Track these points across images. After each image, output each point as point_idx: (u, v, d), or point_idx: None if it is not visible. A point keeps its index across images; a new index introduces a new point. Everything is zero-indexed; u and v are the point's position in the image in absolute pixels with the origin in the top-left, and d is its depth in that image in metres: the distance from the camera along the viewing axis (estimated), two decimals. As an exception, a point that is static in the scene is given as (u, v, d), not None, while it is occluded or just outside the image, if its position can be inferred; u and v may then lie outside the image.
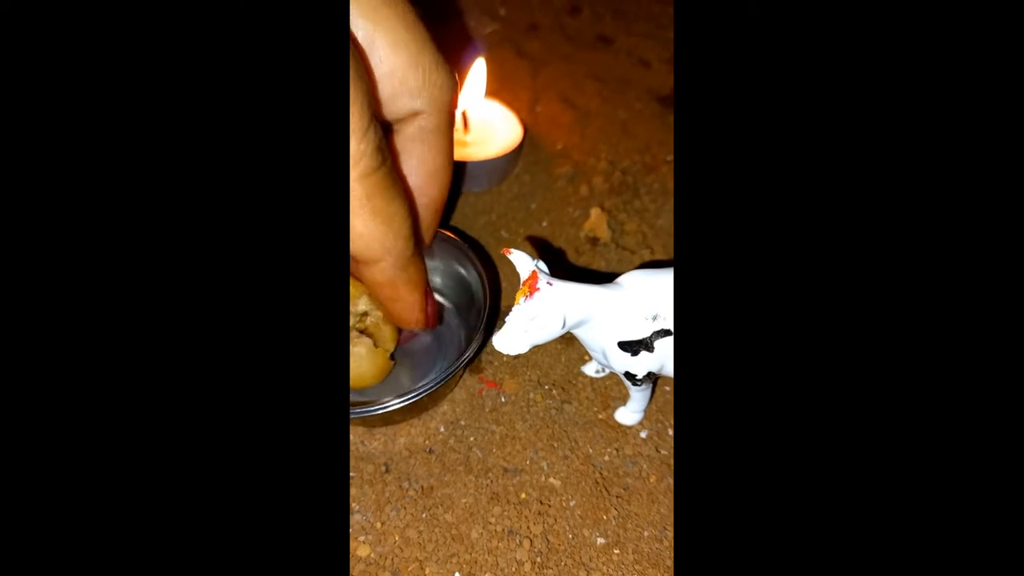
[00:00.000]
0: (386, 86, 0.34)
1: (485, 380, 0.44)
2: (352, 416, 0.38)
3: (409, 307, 0.38)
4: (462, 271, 0.45)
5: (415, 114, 0.35)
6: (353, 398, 0.41)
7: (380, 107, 0.34)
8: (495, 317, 0.47)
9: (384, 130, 0.35)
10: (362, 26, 0.31)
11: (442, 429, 0.42)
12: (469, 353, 0.40)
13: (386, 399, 0.38)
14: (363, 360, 0.40)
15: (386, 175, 0.32)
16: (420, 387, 0.38)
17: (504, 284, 0.49)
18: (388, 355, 0.41)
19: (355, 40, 0.31)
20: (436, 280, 0.47)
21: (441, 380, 0.39)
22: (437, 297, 0.47)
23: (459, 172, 0.54)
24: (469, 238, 0.51)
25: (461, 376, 0.44)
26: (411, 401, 0.38)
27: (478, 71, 0.54)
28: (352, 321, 0.41)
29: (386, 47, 0.32)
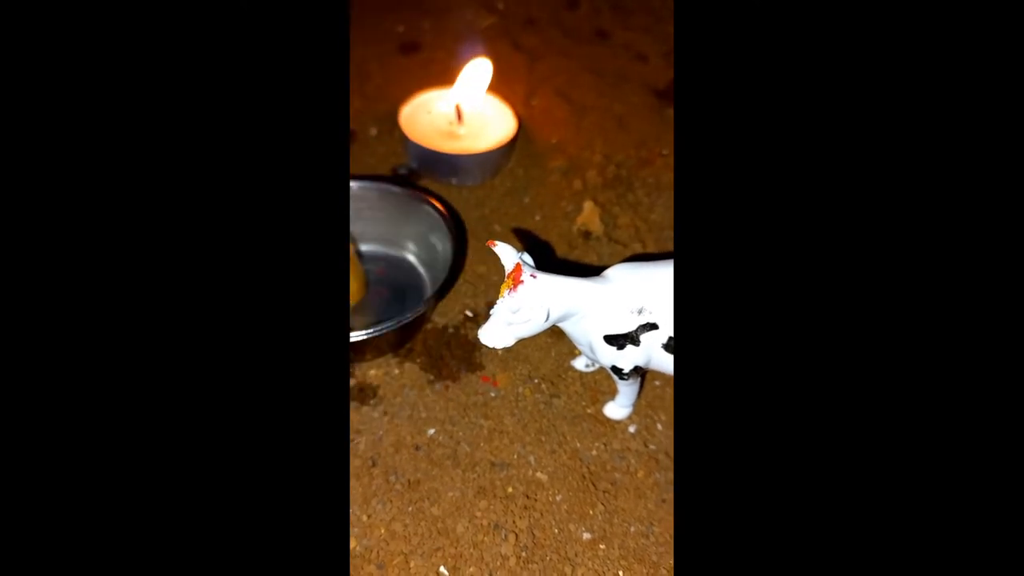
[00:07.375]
0: None
1: (485, 377, 0.44)
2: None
3: None
4: (432, 239, 0.48)
5: None
6: None
7: None
8: (461, 262, 0.49)
9: None
10: None
11: (431, 427, 0.41)
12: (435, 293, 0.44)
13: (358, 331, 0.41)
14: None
15: None
16: (389, 322, 0.41)
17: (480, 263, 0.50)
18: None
19: None
20: (410, 245, 0.50)
21: (415, 315, 0.42)
22: (410, 256, 0.50)
23: (452, 166, 0.54)
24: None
25: (428, 319, 0.46)
26: (380, 333, 0.41)
27: (480, 68, 0.54)
28: None
29: None
